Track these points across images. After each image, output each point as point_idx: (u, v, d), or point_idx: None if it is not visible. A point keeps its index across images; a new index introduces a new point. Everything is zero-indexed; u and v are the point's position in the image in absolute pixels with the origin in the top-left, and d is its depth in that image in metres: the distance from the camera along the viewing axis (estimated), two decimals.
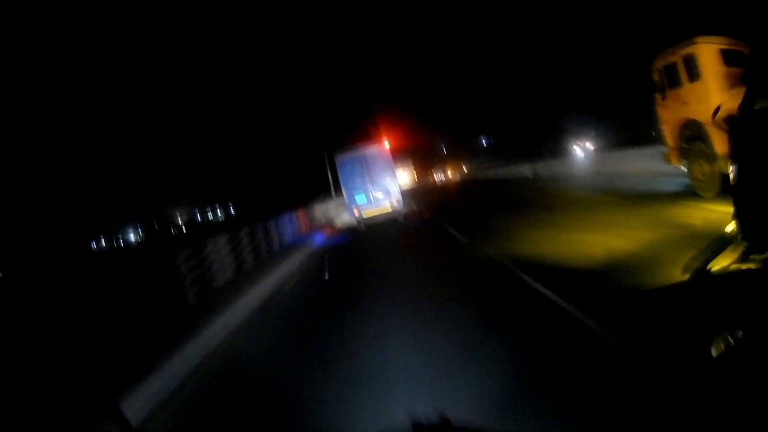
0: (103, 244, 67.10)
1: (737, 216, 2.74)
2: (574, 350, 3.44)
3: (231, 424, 3.70)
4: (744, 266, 2.36)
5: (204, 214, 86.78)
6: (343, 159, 15.62)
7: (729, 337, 1.23)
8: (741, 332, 1.23)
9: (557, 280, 5.08)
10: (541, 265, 5.95)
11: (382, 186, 15.25)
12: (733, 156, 2.77)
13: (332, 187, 26.23)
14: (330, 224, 20.42)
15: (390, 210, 15.29)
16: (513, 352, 3.63)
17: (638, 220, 7.35)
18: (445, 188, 37.68)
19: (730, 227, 2.90)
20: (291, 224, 15.89)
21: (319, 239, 15.62)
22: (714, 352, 1.25)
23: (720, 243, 2.79)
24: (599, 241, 6.53)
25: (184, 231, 70.15)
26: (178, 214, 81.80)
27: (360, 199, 15.29)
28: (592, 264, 5.52)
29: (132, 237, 72.85)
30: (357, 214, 15.38)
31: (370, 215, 15.35)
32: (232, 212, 79.82)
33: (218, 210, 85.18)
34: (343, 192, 16.20)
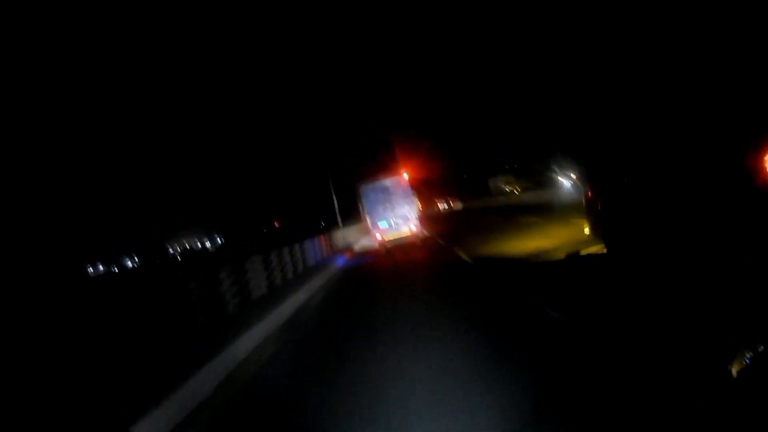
0: (101, 269, 70.31)
1: (590, 228, 6.91)
2: (490, 293, 7.00)
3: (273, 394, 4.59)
4: (593, 251, 6.39)
5: (196, 244, 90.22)
6: (366, 189, 17.80)
7: (749, 353, 1.19)
8: (762, 347, 1.19)
9: (495, 263, 8.93)
10: (488, 257, 9.92)
11: (402, 213, 17.38)
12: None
13: (348, 214, 29.39)
14: (349, 248, 22.75)
15: (409, 234, 17.43)
16: (462, 296, 7.34)
17: (566, 231, 11.06)
18: (446, 216, 42.03)
19: (587, 231, 7.07)
20: (314, 248, 17.63)
21: (340, 261, 17.34)
22: (735, 371, 1.21)
23: (587, 241, 7.03)
24: (533, 243, 10.34)
25: (179, 259, 73.45)
26: (175, 242, 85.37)
27: (382, 224, 17.42)
28: (521, 254, 9.32)
29: (129, 263, 76.06)
30: (380, 238, 17.51)
31: (392, 238, 17.50)
32: (220, 242, 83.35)
33: (207, 240, 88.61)
34: (367, 219, 18.22)
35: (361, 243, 24.92)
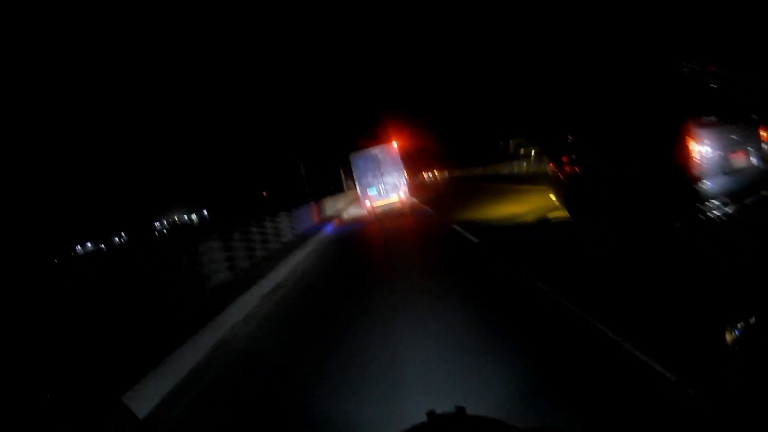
0: (89, 247, 70.90)
1: (555, 196, 8.12)
2: (470, 250, 8.43)
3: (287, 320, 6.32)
4: (560, 216, 7.62)
5: (183, 218, 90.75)
6: (356, 157, 18.02)
7: (742, 324, 1.20)
8: (754, 318, 1.20)
9: (473, 226, 10.17)
10: (469, 221, 11.10)
11: (391, 181, 17.76)
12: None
13: (344, 185, 30.55)
14: (338, 216, 23.48)
15: (398, 201, 17.82)
16: (443, 251, 8.71)
17: (535, 198, 12.39)
18: (431, 185, 43.54)
19: (553, 198, 8.28)
20: (307, 215, 19.04)
21: (329, 228, 18.17)
22: (728, 339, 1.22)
23: (555, 208, 8.26)
24: (509, 208, 11.69)
25: (166, 233, 74.34)
26: (163, 217, 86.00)
27: (372, 191, 17.76)
28: (498, 218, 10.62)
29: (116, 240, 76.72)
30: (369, 205, 17.83)
31: (381, 206, 17.87)
32: (206, 216, 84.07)
33: (193, 214, 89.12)
34: (357, 186, 18.50)
35: (350, 212, 25.72)
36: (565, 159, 8.54)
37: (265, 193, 40.45)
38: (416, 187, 38.10)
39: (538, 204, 11.03)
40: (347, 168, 20.38)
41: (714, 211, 5.03)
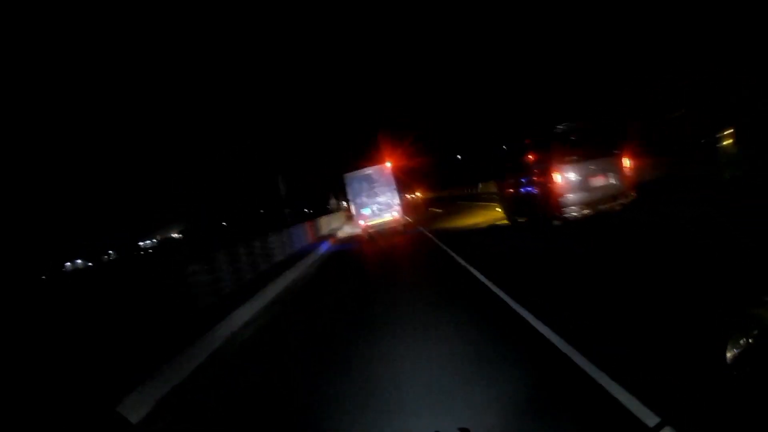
0: (79, 263, 72.86)
1: (502, 209, 11.80)
2: (439, 253, 11.72)
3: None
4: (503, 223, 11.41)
5: (170, 235, 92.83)
6: (351, 178, 18.26)
7: (745, 339, 1.09)
8: (757, 332, 1.09)
9: (442, 233, 13.61)
10: (440, 229, 14.58)
11: (385, 200, 18.02)
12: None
13: (340, 203, 33.03)
14: (333, 235, 24.14)
15: (392, 220, 18.01)
16: (420, 253, 12.10)
17: (491, 211, 15.91)
18: (415, 204, 47.72)
19: (499, 210, 12.02)
20: (301, 234, 19.35)
21: (324, 246, 18.59)
22: (729, 357, 1.10)
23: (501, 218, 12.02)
24: (471, 219, 15.23)
25: (152, 251, 76.59)
26: (150, 236, 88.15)
27: (366, 211, 18.04)
28: (463, 227, 14.15)
29: (105, 257, 78.79)
30: (364, 224, 18.09)
31: (375, 224, 18.09)
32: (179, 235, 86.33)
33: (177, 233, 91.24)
34: (352, 206, 18.77)
35: (345, 230, 26.81)
36: (502, 183, 12.13)
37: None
38: (407, 206, 41.32)
39: (493, 215, 14.55)
40: (339, 187, 21.64)
41: (573, 213, 8.51)
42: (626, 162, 9.17)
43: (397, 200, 18.20)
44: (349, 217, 23.57)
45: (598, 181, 8.91)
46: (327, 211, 36.00)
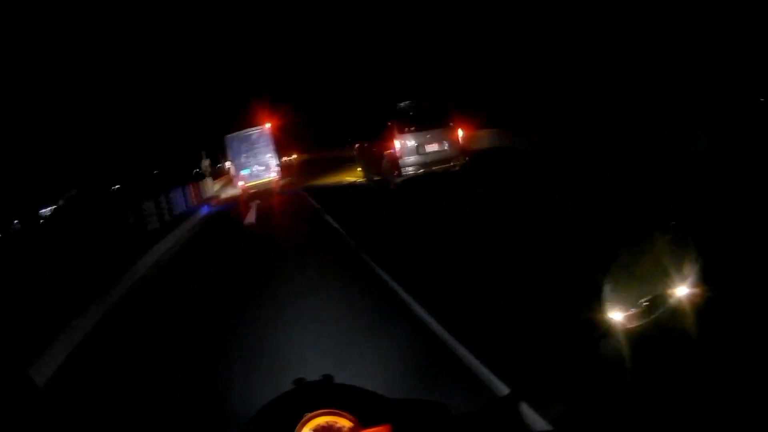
0: None
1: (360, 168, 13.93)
2: (307, 205, 13.67)
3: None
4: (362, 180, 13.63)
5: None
6: (231, 139, 18.58)
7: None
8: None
9: (311, 189, 15.49)
10: (310, 186, 16.46)
11: (264, 161, 18.35)
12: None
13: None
14: (217, 197, 24.34)
15: (270, 181, 18.43)
16: (291, 203, 13.86)
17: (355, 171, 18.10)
18: (289, 165, 48.68)
19: (359, 170, 14.21)
20: (184, 196, 18.87)
21: (205, 209, 18.36)
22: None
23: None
24: (337, 178, 17.34)
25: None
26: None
27: (245, 172, 18.34)
28: (329, 184, 16.30)
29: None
30: (243, 185, 18.39)
31: (253, 185, 18.43)
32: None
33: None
34: (231, 167, 19.23)
35: (227, 192, 26.83)
36: (361, 147, 14.19)
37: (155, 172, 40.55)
38: (285, 167, 41.96)
39: (356, 175, 16.64)
40: (219, 149, 21.44)
41: (409, 171, 10.88)
42: (459, 132, 11.70)
43: (276, 161, 18.63)
44: (230, 180, 23.37)
45: (432, 147, 11.28)
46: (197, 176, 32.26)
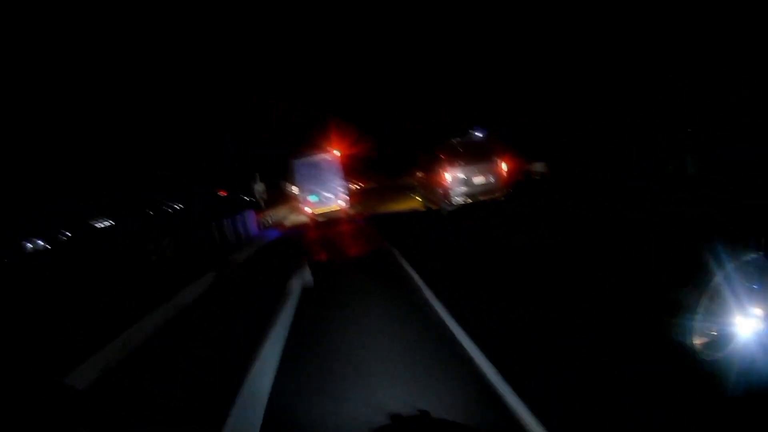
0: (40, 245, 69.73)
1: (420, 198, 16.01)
2: (370, 233, 15.66)
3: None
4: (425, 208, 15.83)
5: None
6: (298, 164, 18.54)
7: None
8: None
9: (376, 217, 17.58)
10: (375, 213, 18.58)
11: (332, 188, 18.33)
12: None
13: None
14: (282, 222, 24.88)
15: (338, 209, 18.50)
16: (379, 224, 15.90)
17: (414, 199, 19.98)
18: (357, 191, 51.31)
19: (419, 199, 16.55)
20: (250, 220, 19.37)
21: (274, 233, 18.98)
22: (698, 344, 1.08)
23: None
24: (400, 206, 19.35)
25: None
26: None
27: (313, 198, 18.35)
28: (392, 211, 18.34)
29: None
30: (310, 212, 18.51)
31: (321, 213, 18.58)
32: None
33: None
34: (297, 192, 19.13)
35: (292, 219, 27.21)
36: (420, 178, 15.94)
37: (223, 193, 41.09)
38: (351, 195, 43.20)
39: (417, 202, 18.32)
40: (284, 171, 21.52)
41: (458, 200, 12.55)
42: (503, 165, 13.23)
43: (344, 189, 18.59)
44: (295, 205, 23.46)
45: (479, 179, 12.87)
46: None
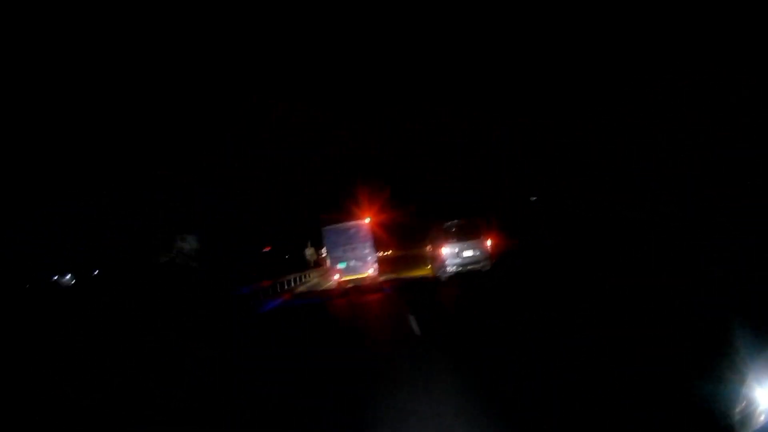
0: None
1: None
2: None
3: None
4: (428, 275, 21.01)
5: None
6: (329, 231, 18.91)
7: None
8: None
9: (402, 281, 21.90)
10: (396, 278, 22.86)
11: (361, 256, 18.55)
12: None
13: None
14: (312, 289, 25.35)
15: (366, 277, 18.66)
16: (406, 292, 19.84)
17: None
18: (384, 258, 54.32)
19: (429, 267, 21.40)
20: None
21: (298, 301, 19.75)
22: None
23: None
24: (415, 272, 23.86)
25: None
26: None
27: (341, 265, 18.51)
28: (408, 277, 22.85)
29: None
30: (338, 278, 18.73)
31: (349, 279, 18.75)
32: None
33: None
34: (328, 259, 19.54)
35: (322, 283, 27.60)
36: (429, 250, 19.95)
37: (268, 248, 41.38)
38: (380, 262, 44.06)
39: (427, 270, 22.52)
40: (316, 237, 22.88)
41: (451, 269, 16.77)
42: (488, 242, 17.36)
43: (373, 258, 18.97)
44: (325, 271, 24.40)
45: (468, 253, 17.07)
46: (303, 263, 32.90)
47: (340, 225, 19.04)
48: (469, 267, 16.78)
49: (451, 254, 16.78)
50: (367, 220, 19.59)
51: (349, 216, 20.09)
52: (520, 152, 36.18)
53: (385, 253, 71.88)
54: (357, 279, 18.76)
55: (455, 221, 17.53)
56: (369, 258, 18.69)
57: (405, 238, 63.84)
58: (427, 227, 21.28)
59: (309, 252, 30.43)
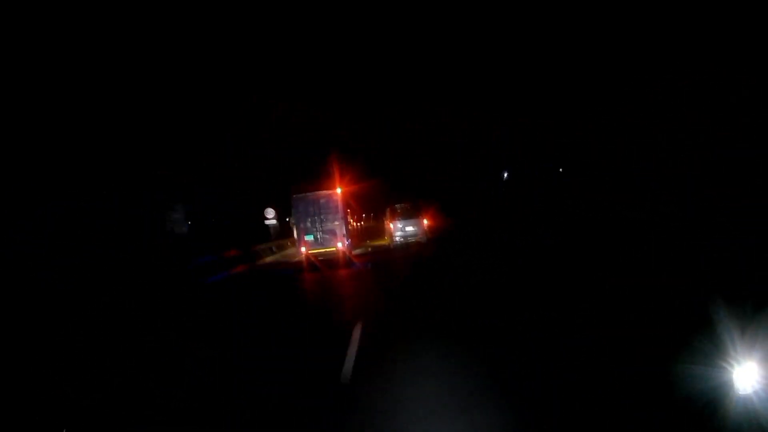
0: None
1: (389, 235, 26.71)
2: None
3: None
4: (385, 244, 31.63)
5: None
6: (298, 200, 17.88)
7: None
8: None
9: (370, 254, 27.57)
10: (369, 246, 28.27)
11: (331, 228, 17.52)
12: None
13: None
14: (282, 259, 25.61)
15: (335, 251, 17.63)
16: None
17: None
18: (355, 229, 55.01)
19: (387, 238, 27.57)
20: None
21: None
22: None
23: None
24: (378, 242, 29.49)
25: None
26: None
27: (309, 237, 17.62)
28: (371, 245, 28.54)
29: None
30: (305, 251, 17.60)
31: (316, 253, 17.72)
32: None
33: None
34: (295, 230, 18.72)
35: (290, 253, 27.26)
36: (387, 224, 26.04)
37: None
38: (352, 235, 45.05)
39: (386, 240, 27.65)
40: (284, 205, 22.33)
41: (396, 241, 23.73)
42: (425, 221, 24.16)
43: (343, 230, 17.95)
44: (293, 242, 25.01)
45: (410, 228, 23.90)
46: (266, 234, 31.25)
47: (309, 194, 17.95)
48: (409, 239, 23.75)
49: (398, 228, 23.44)
50: (338, 190, 18.19)
51: (320, 186, 18.61)
52: (519, 152, 36.89)
53: (357, 224, 71.02)
54: (326, 252, 17.90)
55: (402, 204, 24.34)
56: (339, 231, 17.84)
57: (376, 211, 62.15)
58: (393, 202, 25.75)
59: (270, 221, 28.42)
